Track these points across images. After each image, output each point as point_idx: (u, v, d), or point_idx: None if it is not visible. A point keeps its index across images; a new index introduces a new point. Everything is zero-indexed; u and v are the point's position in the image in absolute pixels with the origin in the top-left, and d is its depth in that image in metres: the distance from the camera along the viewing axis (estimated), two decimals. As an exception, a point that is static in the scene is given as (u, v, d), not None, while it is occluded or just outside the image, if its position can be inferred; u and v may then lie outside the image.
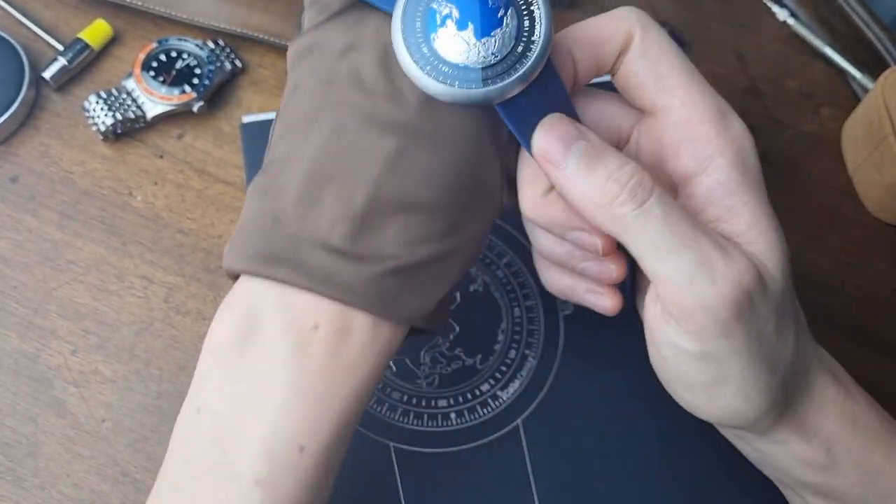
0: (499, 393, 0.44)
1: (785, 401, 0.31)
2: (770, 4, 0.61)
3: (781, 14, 0.60)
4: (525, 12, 0.29)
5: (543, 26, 0.29)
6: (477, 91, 0.29)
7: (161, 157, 0.51)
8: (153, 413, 0.43)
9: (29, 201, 0.49)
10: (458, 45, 0.29)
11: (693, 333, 0.29)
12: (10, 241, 0.47)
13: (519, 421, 0.44)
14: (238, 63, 0.54)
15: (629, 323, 0.36)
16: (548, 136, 0.29)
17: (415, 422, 0.43)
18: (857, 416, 0.32)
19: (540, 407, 0.44)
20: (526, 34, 0.29)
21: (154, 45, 0.52)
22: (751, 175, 0.30)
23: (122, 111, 0.50)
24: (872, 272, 0.52)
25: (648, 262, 0.29)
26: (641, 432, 0.44)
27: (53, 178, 0.49)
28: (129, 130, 0.51)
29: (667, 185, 0.31)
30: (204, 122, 0.52)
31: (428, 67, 0.29)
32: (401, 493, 0.42)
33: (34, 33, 0.53)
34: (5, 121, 0.49)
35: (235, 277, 0.32)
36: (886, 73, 0.53)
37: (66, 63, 0.51)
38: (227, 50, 0.53)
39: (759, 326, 0.29)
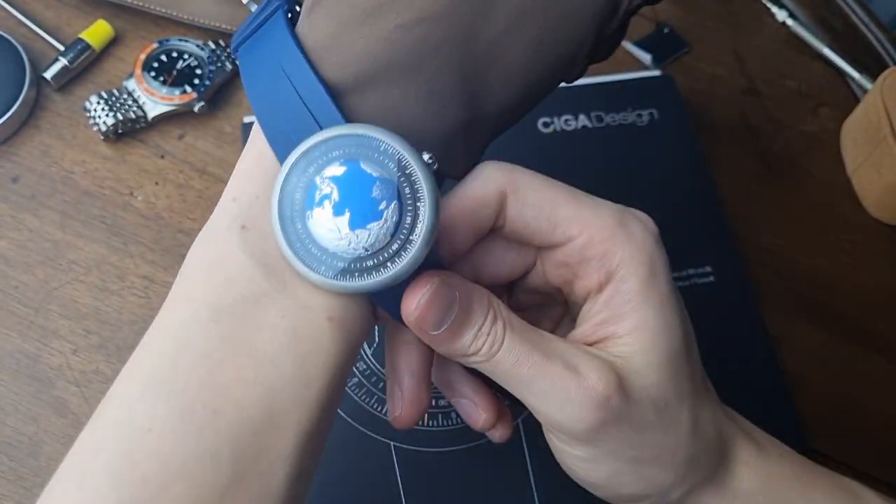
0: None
1: (696, 470, 0.32)
2: (769, 5, 0.61)
3: (780, 15, 0.61)
4: (410, 207, 0.27)
5: (425, 226, 0.27)
6: (337, 283, 0.27)
7: (162, 157, 0.51)
8: (154, 412, 0.43)
9: (30, 201, 0.49)
10: (331, 229, 0.27)
11: (571, 443, 0.30)
12: (12, 241, 0.47)
13: (519, 420, 0.44)
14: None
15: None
16: (426, 309, 0.28)
17: (415, 421, 0.44)
18: (771, 469, 0.33)
19: (540, 406, 0.44)
20: (405, 231, 0.27)
21: (155, 45, 0.52)
22: (654, 279, 0.30)
23: (123, 111, 0.50)
24: (872, 272, 0.52)
25: (510, 390, 0.30)
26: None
27: (55, 178, 0.49)
28: (130, 130, 0.51)
29: (581, 295, 0.32)
30: (205, 123, 0.52)
31: (298, 245, 0.27)
32: (401, 492, 0.42)
33: (35, 33, 0.53)
34: (6, 121, 0.49)
35: None
36: (885, 73, 0.53)
37: (67, 63, 0.51)
38: (228, 50, 0.54)
39: (635, 421, 0.30)
